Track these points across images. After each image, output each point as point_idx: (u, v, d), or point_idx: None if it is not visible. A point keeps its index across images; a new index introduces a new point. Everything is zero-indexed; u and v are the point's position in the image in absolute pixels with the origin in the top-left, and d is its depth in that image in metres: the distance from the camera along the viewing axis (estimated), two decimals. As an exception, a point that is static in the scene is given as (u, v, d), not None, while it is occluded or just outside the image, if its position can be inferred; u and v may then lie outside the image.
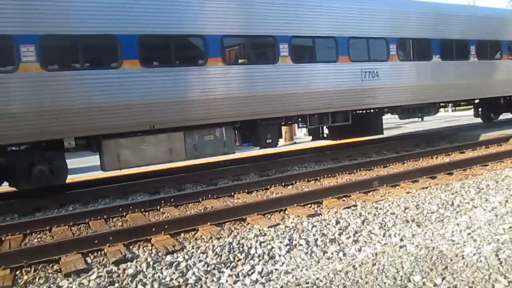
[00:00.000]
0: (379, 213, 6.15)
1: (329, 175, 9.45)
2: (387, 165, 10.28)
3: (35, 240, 6.46)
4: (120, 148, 8.94)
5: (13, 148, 8.60)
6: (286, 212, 6.81)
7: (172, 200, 7.86)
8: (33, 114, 8.02)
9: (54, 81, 8.16)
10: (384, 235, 5.32)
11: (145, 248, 5.61)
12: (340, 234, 5.42)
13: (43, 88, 8.06)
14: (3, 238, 6.48)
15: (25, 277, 4.90)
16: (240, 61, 10.53)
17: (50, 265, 5.22)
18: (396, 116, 14.63)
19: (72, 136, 8.47)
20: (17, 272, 5.06)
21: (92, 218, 7.09)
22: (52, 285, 4.56)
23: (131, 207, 7.51)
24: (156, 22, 9.02)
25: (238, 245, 5.19)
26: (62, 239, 6.06)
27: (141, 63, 8.85)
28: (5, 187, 8.93)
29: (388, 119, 18.41)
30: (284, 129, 15.04)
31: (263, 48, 10.83)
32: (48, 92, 8.09)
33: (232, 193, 8.29)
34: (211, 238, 5.72)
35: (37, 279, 4.81)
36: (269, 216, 6.67)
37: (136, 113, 8.87)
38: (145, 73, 8.91)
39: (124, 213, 7.34)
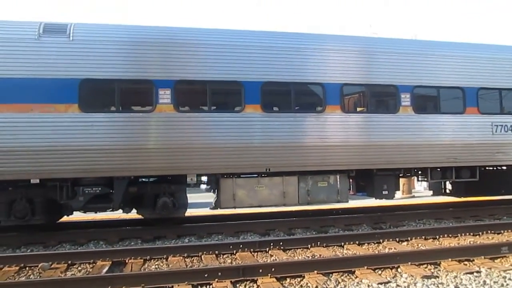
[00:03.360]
0: (507, 284, 5.46)
1: (450, 235, 8.69)
2: (521, 230, 9.14)
3: (153, 266, 6.96)
4: (236, 188, 9.37)
5: (143, 179, 9.50)
6: (399, 270, 6.39)
7: (281, 243, 7.91)
8: (164, 150, 8.86)
9: (183, 122, 8.97)
10: (512, 310, 4.70)
11: (250, 289, 5.70)
12: (459, 302, 4.93)
13: (174, 127, 8.90)
14: (126, 261, 7.10)
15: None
16: (359, 109, 10.47)
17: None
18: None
19: (194, 172, 9.13)
20: (135, 295, 5.49)
21: (204, 252, 7.43)
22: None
23: (241, 245, 7.72)
24: (278, 70, 9.47)
25: (344, 298, 5.00)
26: (176, 269, 6.44)
27: (262, 108, 9.31)
28: (133, 214, 9.85)
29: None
30: (402, 181, 14.32)
31: (383, 97, 10.64)
32: (177, 131, 8.90)
33: (342, 243, 8.06)
34: (316, 287, 5.60)
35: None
36: (379, 271, 6.33)
37: (254, 155, 9.26)
38: (266, 117, 9.32)
39: (234, 251, 7.57)
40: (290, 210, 11.27)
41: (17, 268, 6.79)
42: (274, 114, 9.54)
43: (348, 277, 6.15)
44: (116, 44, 8.86)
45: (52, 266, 6.85)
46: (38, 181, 8.49)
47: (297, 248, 7.87)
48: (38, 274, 6.62)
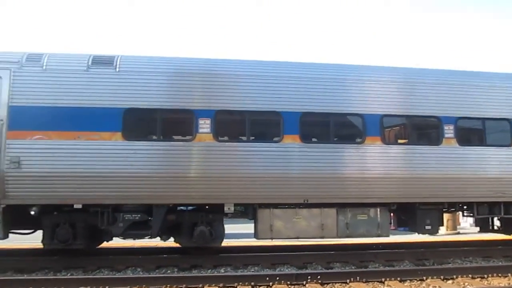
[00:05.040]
0: None
1: (500, 275, 8.18)
2: None
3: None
4: (274, 218, 9.28)
5: (181, 207, 9.58)
6: (444, 309, 6.06)
7: (318, 277, 7.69)
8: (202, 179, 8.95)
9: (222, 151, 9.06)
10: None
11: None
12: None
13: (213, 156, 9.00)
14: (163, 289, 7.10)
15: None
16: (400, 141, 10.24)
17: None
18: None
19: (232, 202, 9.12)
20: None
21: (240, 283, 7.33)
22: None
23: (277, 278, 7.57)
24: (317, 101, 9.48)
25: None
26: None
27: (301, 138, 9.29)
28: (170, 242, 9.89)
29: None
30: (446, 216, 13.71)
31: (425, 129, 10.39)
32: (216, 160, 8.99)
33: (383, 279, 7.75)
34: (356, 323, 5.37)
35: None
36: (423, 310, 6.02)
37: (292, 186, 9.19)
38: (304, 148, 9.28)
39: (271, 283, 7.43)
40: (328, 243, 11.00)
41: (57, 291, 6.93)
42: (312, 144, 9.49)
43: (389, 315, 5.88)
44: (158, 75, 9.17)
45: (91, 291, 6.94)
46: (80, 206, 8.74)
47: (335, 283, 7.63)
48: (77, 298, 6.72)
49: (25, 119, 8.63)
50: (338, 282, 7.64)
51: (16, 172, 8.44)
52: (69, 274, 8.44)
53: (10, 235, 8.91)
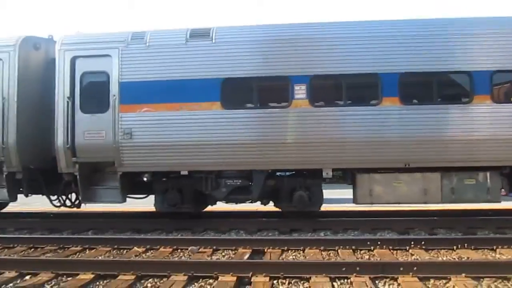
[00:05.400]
0: None
1: None
2: None
3: (290, 257, 7.15)
4: (373, 183, 9.11)
5: (280, 173, 9.80)
6: None
7: (422, 243, 7.45)
8: (299, 145, 9.04)
9: (319, 116, 9.02)
10: None
11: (391, 286, 5.52)
12: None
13: (309, 122, 9.01)
14: (265, 250, 7.41)
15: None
16: (512, 99, 9.34)
17: (302, 282, 5.70)
18: None
19: (330, 167, 9.11)
20: (275, 281, 5.71)
21: (341, 247, 7.38)
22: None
23: (379, 242, 7.48)
24: (418, 60, 8.95)
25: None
26: (314, 261, 6.54)
27: (400, 100, 8.89)
28: (269, 207, 10.23)
29: None
30: None
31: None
32: (313, 126, 8.99)
33: (494, 247, 7.29)
34: (465, 291, 5.18)
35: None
36: (542, 280, 5.60)
37: (392, 150, 8.90)
38: (404, 110, 8.89)
39: (372, 248, 7.36)
40: (432, 209, 10.57)
41: (171, 249, 7.57)
42: (414, 106, 9.03)
43: (503, 283, 5.57)
44: (253, 44, 9.31)
45: (200, 250, 7.49)
46: (186, 173, 9.35)
47: (441, 249, 7.35)
48: (188, 256, 7.30)
49: (134, 93, 9.34)
50: (444, 249, 7.35)
51: (129, 142, 9.25)
52: (179, 235, 9.15)
53: (127, 199, 9.89)
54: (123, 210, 11.62)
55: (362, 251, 7.34)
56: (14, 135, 9.55)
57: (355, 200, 9.35)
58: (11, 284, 5.87)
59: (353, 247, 7.40)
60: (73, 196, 10.31)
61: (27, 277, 6.14)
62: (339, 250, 7.30)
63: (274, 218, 10.26)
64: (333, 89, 9.46)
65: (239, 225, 9.64)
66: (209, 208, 10.47)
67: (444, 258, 6.89)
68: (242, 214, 10.95)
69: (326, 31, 9.29)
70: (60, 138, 9.43)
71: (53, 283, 5.91)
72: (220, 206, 10.48)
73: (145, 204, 10.49)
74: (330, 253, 7.29)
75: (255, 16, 51.72)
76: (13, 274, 6.16)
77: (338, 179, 9.78)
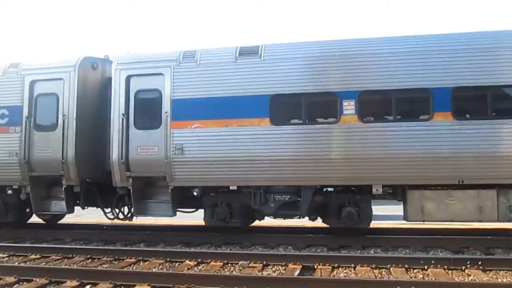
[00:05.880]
0: None
1: None
2: None
3: (342, 274, 7.08)
4: (424, 200, 8.90)
5: (328, 189, 9.76)
6: None
7: (479, 262, 7.18)
8: (348, 161, 8.98)
9: (368, 132, 8.95)
10: None
11: (449, 307, 5.36)
12: None
13: (358, 138, 8.95)
14: (315, 266, 7.38)
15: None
16: None
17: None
18: None
19: (380, 183, 8.98)
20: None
21: (393, 265, 7.24)
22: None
23: (433, 261, 7.28)
24: (472, 74, 8.74)
25: None
26: (367, 279, 6.46)
27: (453, 115, 8.70)
28: (317, 223, 10.17)
29: None
30: None
31: None
32: (361, 141, 8.93)
33: (558, 268, 6.94)
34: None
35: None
36: None
37: (444, 166, 8.68)
38: (457, 125, 8.67)
39: (426, 267, 7.18)
40: (488, 227, 10.18)
41: (221, 263, 7.68)
42: (467, 121, 8.80)
43: None
44: (301, 60, 9.39)
45: (250, 265, 7.55)
46: (235, 187, 9.49)
47: (500, 270, 7.06)
48: (239, 270, 7.37)
49: (185, 110, 9.64)
50: (503, 270, 7.06)
51: (180, 157, 9.51)
52: (228, 249, 9.26)
53: (178, 213, 10.14)
54: (171, 224, 11.91)
55: (415, 270, 7.17)
56: (73, 151, 10.05)
57: (405, 217, 9.14)
58: (73, 293, 6.16)
59: (406, 265, 7.24)
60: (126, 209, 10.69)
61: (87, 287, 6.42)
62: (391, 269, 7.16)
63: (321, 234, 10.18)
64: (382, 104, 9.37)
65: (287, 241, 9.65)
66: (256, 223, 10.52)
67: (505, 280, 6.61)
68: (288, 230, 10.93)
69: (374, 46, 9.27)
70: (115, 153, 9.84)
71: (112, 293, 6.16)
72: (267, 221, 10.52)
73: (191, 218, 10.70)
74: (382, 271, 7.16)
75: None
76: (74, 283, 6.47)
77: (387, 195, 9.61)
